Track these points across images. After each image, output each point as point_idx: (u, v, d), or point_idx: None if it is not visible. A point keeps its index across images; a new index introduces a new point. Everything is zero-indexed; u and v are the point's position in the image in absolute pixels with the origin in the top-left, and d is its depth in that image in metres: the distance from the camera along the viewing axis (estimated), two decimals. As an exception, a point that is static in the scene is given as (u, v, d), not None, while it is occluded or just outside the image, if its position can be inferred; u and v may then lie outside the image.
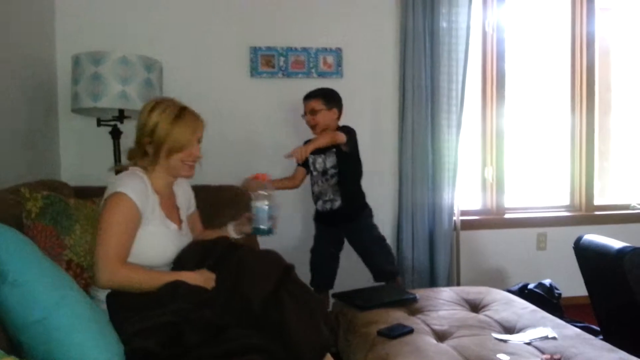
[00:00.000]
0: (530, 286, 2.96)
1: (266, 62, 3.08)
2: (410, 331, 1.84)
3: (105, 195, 1.63)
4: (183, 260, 1.71)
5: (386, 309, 2.05)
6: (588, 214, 3.62)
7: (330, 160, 2.64)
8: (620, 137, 3.98)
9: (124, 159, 2.58)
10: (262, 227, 1.88)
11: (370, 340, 1.81)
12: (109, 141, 2.57)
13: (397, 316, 1.99)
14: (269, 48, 3.07)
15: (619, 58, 3.95)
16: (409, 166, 3.14)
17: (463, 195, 3.33)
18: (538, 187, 3.78)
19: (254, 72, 3.07)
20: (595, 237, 2.29)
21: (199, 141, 1.78)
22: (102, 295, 1.55)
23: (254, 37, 3.06)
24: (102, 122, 2.57)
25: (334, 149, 2.62)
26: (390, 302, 2.11)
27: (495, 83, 3.47)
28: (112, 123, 2.54)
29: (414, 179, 3.15)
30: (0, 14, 2.21)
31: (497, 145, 3.49)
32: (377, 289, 2.37)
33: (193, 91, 2.91)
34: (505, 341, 1.78)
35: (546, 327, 1.90)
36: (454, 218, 3.24)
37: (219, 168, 2.65)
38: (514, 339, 1.81)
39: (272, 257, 1.73)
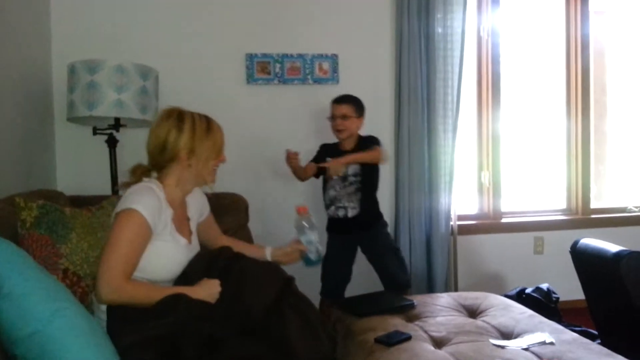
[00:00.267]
0: (528, 290, 2.97)
1: (262, 68, 3.08)
2: (408, 338, 1.83)
3: (118, 208, 1.59)
4: (189, 273, 1.70)
5: (384, 316, 2.04)
6: (585, 218, 3.62)
7: (353, 168, 2.64)
8: (616, 140, 4.00)
9: (120, 168, 2.61)
10: (312, 258, 1.96)
11: (368, 347, 1.80)
12: (105, 150, 2.57)
13: (395, 323, 1.98)
14: (264, 55, 3.08)
15: (614, 61, 3.96)
16: (406, 171, 3.14)
17: (460, 199, 3.34)
18: (534, 191, 3.79)
19: (250, 78, 3.07)
20: (592, 240, 2.30)
21: None
22: (103, 305, 1.54)
23: (250, 44, 3.07)
24: (98, 131, 2.57)
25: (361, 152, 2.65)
26: (388, 309, 2.11)
27: (490, 87, 3.49)
28: (108, 131, 2.54)
29: (411, 184, 3.15)
30: (-5, 24, 2.21)
31: (493, 150, 3.50)
32: (374, 296, 2.36)
33: (189, 98, 2.88)
34: (502, 347, 1.78)
35: (544, 332, 1.89)
36: (451, 223, 3.24)
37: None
38: (512, 344, 1.80)
39: (273, 268, 1.75)
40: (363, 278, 2.81)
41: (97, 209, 1.89)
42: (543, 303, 2.85)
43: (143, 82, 2.42)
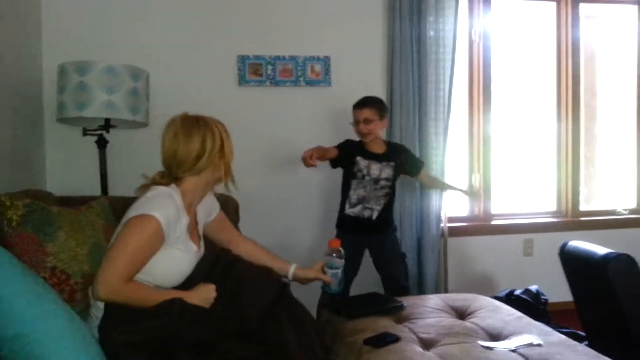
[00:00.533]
0: (517, 292, 2.98)
1: (254, 70, 3.09)
2: (397, 340, 1.83)
3: (134, 211, 1.57)
4: (191, 278, 1.71)
5: (373, 318, 2.05)
6: (574, 220, 3.65)
7: (386, 172, 2.71)
8: (606, 143, 4.03)
9: (110, 169, 2.61)
10: (334, 289, 2.02)
11: (357, 349, 1.81)
12: (95, 151, 2.56)
13: (384, 324, 1.99)
14: (256, 57, 3.08)
15: (605, 65, 4.00)
16: (397, 173, 3.15)
17: (450, 202, 3.35)
18: (525, 193, 3.81)
19: (242, 80, 3.07)
20: (580, 243, 2.31)
21: None
22: (100, 302, 1.54)
23: (242, 46, 3.07)
24: (87, 132, 2.56)
25: (393, 162, 2.71)
26: (377, 311, 2.11)
27: (481, 90, 3.51)
28: (98, 132, 2.53)
29: (402, 186, 3.15)
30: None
31: (484, 152, 3.52)
32: (364, 298, 2.37)
33: (181, 100, 2.90)
34: (491, 348, 1.79)
35: (532, 333, 1.90)
36: (442, 224, 3.26)
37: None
38: (500, 346, 1.81)
39: (269, 274, 1.76)
40: (357, 279, 2.81)
41: (85, 209, 1.88)
42: (532, 305, 2.86)
43: (134, 83, 2.41)
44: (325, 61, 3.17)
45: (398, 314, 2.13)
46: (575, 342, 1.87)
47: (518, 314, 2.13)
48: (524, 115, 3.79)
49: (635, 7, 3.80)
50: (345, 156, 2.70)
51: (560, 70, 3.70)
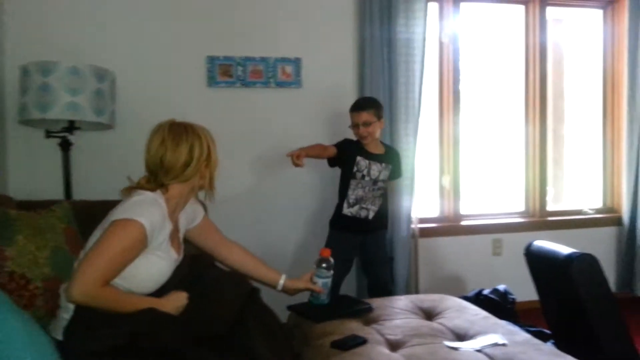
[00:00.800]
0: (485, 292, 3.02)
1: (224, 71, 3.06)
2: (364, 342, 1.84)
3: (119, 214, 1.55)
4: (166, 284, 1.69)
5: (342, 320, 2.05)
6: (542, 220, 3.71)
7: (384, 174, 2.75)
8: (573, 144, 4.11)
9: (75, 172, 2.55)
10: (324, 299, 2.06)
11: (324, 352, 1.80)
12: (58, 153, 2.51)
13: (352, 327, 1.99)
14: (226, 57, 3.05)
15: (572, 67, 4.08)
16: (368, 175, 3.16)
17: (421, 203, 3.37)
18: (494, 194, 3.87)
19: (212, 82, 3.04)
20: (545, 243, 2.35)
21: None
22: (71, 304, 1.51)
23: (211, 47, 3.04)
24: (51, 134, 2.50)
25: (391, 165, 2.76)
26: (345, 313, 2.11)
27: (451, 92, 3.54)
28: (62, 134, 2.48)
29: (373, 188, 3.17)
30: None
31: (454, 153, 3.55)
32: (332, 301, 2.37)
33: (148, 102, 2.88)
34: (456, 349, 1.80)
35: (497, 333, 1.93)
36: (412, 226, 3.28)
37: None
38: (465, 346, 1.83)
39: (237, 279, 1.76)
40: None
41: (46, 212, 1.85)
42: (500, 304, 2.90)
43: (98, 84, 2.37)
44: (296, 62, 3.16)
45: (366, 316, 2.14)
46: (539, 342, 1.90)
47: (484, 313, 2.16)
48: (493, 117, 3.84)
49: (601, 11, 3.89)
50: (345, 156, 2.70)
51: (528, 73, 3.76)
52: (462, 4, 3.54)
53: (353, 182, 2.71)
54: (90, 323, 1.46)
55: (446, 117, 3.57)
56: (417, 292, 3.30)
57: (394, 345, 1.87)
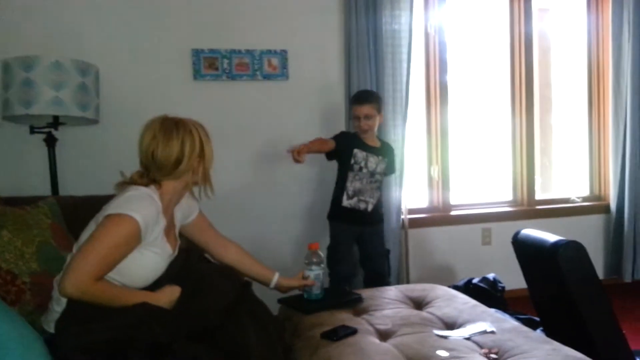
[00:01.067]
0: (475, 281, 3.04)
1: (209, 64, 3.04)
2: (354, 332, 1.84)
3: (112, 209, 1.53)
4: (160, 279, 1.69)
5: (332, 311, 2.05)
6: (530, 209, 3.74)
7: (381, 166, 2.77)
8: (560, 133, 4.14)
9: (60, 168, 2.52)
10: (317, 293, 2.08)
11: (314, 343, 1.80)
12: (43, 149, 2.48)
13: (342, 317, 1.99)
14: (212, 50, 3.03)
15: (559, 57, 4.10)
16: (356, 166, 3.16)
17: (410, 193, 3.38)
18: (482, 183, 3.89)
19: (197, 75, 3.02)
20: (532, 231, 2.36)
21: None
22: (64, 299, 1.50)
23: (196, 39, 3.01)
24: (35, 130, 2.47)
25: (386, 158, 2.78)
26: (335, 304, 2.11)
27: (438, 83, 3.54)
28: (46, 130, 2.45)
29: (362, 179, 3.17)
30: None
31: (442, 144, 3.56)
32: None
33: (134, 95, 2.86)
34: (445, 337, 1.81)
35: (485, 321, 1.94)
36: (402, 216, 3.29)
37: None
38: (454, 334, 1.84)
39: (230, 273, 1.76)
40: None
41: (32, 208, 1.83)
42: (489, 292, 2.92)
43: (82, 78, 2.34)
44: (282, 55, 3.14)
45: (356, 306, 2.14)
46: (527, 329, 1.91)
47: (473, 302, 2.17)
48: (481, 107, 3.86)
49: (584, 0, 3.90)
50: (343, 148, 2.70)
51: (514, 63, 3.77)
52: (448, -6, 3.54)
53: (351, 175, 2.72)
54: (82, 316, 1.45)
55: (434, 107, 3.57)
56: (407, 282, 3.32)
57: (383, 335, 1.88)
